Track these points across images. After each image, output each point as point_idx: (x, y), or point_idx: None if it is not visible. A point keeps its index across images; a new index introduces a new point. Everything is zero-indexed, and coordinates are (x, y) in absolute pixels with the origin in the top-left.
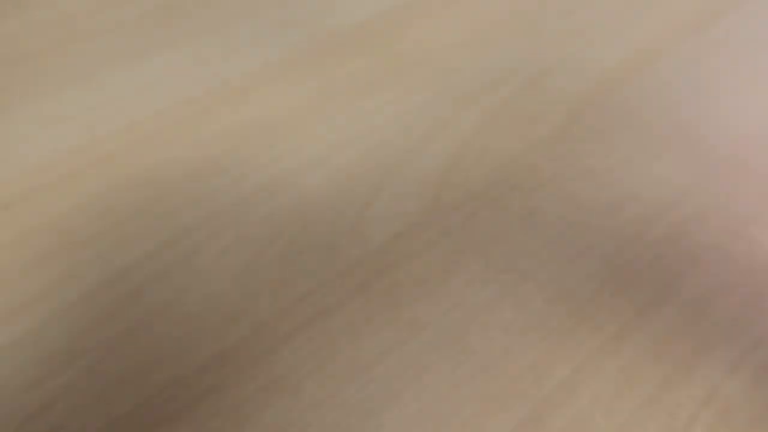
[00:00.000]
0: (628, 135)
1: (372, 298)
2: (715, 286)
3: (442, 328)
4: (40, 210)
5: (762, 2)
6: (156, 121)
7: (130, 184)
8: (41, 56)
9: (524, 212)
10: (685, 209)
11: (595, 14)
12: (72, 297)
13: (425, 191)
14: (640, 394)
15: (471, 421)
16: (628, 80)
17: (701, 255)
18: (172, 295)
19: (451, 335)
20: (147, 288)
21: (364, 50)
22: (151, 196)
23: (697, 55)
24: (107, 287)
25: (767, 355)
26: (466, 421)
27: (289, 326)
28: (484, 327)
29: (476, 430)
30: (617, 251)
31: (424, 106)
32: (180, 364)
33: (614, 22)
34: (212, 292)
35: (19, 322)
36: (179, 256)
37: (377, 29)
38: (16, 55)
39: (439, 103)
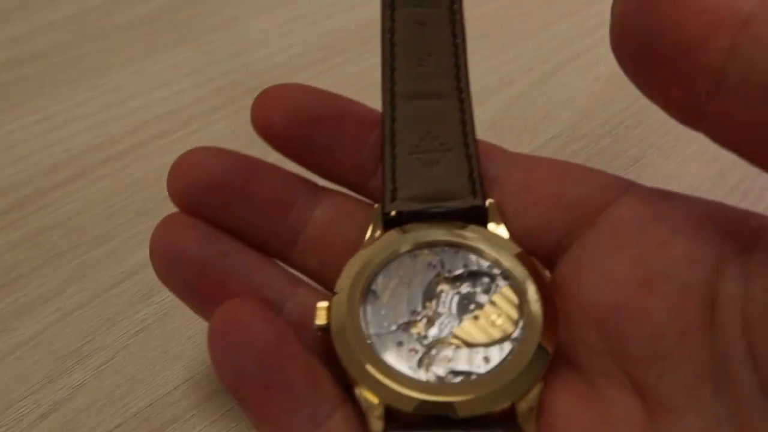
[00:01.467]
0: (639, 133)
1: None
2: None
3: None
4: (51, 209)
5: None
6: (166, 120)
7: (140, 184)
8: (51, 57)
9: None
10: None
11: (604, 12)
12: (83, 296)
13: None
14: None
15: None
16: None
17: None
18: None
19: None
20: (158, 287)
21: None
22: (161, 196)
23: None
24: (118, 286)
25: None
26: None
27: None
28: None
29: None
30: None
31: None
32: (191, 363)
33: None
34: None
35: (31, 321)
36: None
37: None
38: (26, 56)
39: None
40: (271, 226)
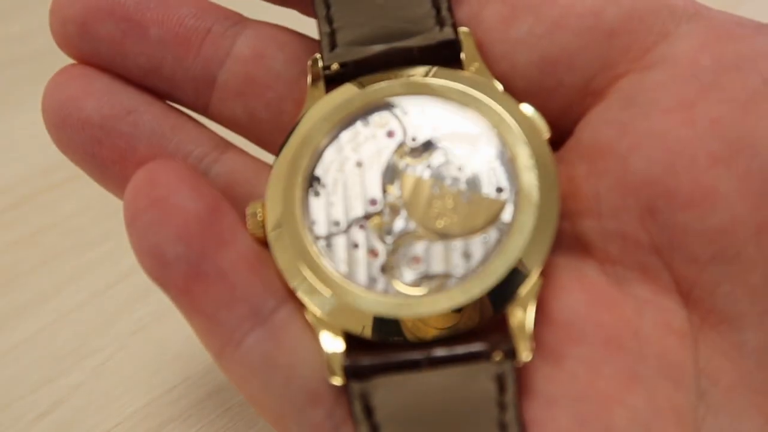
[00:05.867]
0: None
1: None
2: None
3: None
4: (49, 210)
5: (760, 2)
6: None
7: None
8: (47, 57)
9: None
10: None
11: None
12: (80, 296)
13: None
14: None
15: None
16: None
17: None
18: None
19: None
20: (156, 287)
21: None
22: None
23: None
24: (116, 286)
25: None
26: None
27: None
28: None
29: None
30: None
31: None
32: (189, 363)
33: None
34: None
35: (29, 321)
36: None
37: None
38: (22, 55)
39: None
40: (179, 63)
